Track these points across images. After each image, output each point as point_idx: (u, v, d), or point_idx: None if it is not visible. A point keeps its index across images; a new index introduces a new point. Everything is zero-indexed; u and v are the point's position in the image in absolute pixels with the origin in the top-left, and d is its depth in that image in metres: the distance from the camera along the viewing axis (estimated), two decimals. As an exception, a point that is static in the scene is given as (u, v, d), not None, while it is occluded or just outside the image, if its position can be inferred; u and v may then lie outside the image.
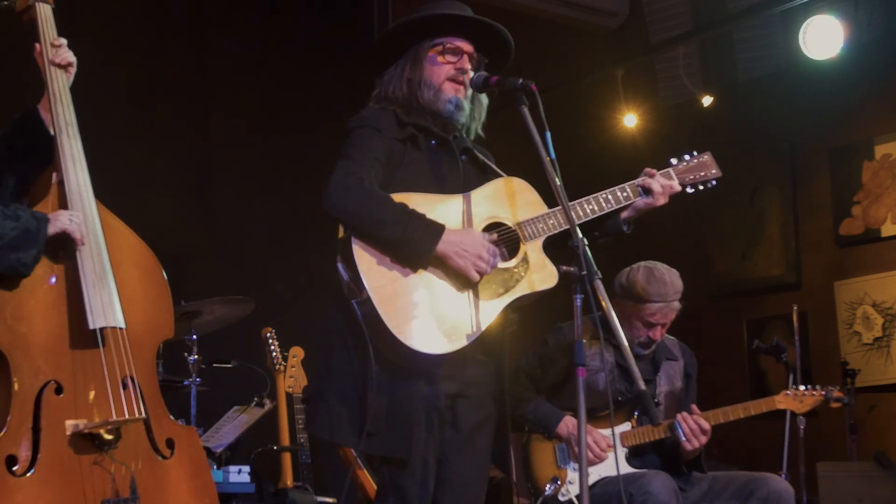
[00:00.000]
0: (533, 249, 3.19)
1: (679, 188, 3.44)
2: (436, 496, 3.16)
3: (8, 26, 3.38)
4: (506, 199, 3.24)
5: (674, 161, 3.51)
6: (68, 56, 3.17)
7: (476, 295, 3.09)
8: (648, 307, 4.19)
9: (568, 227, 3.05)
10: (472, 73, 3.28)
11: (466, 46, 3.28)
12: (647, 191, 3.37)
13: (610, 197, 3.33)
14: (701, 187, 3.52)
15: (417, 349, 3.00)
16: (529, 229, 3.20)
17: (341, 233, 3.12)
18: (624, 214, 3.39)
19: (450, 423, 3.18)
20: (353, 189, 3.04)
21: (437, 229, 3.04)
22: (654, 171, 3.42)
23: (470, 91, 3.28)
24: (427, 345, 3.01)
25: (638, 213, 3.40)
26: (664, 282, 4.20)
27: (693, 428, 4.07)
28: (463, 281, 3.09)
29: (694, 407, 4.15)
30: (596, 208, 3.30)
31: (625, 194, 3.35)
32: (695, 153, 3.54)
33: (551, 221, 3.21)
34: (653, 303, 4.18)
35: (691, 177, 3.49)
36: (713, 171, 3.53)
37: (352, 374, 3.09)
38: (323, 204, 3.04)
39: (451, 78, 3.25)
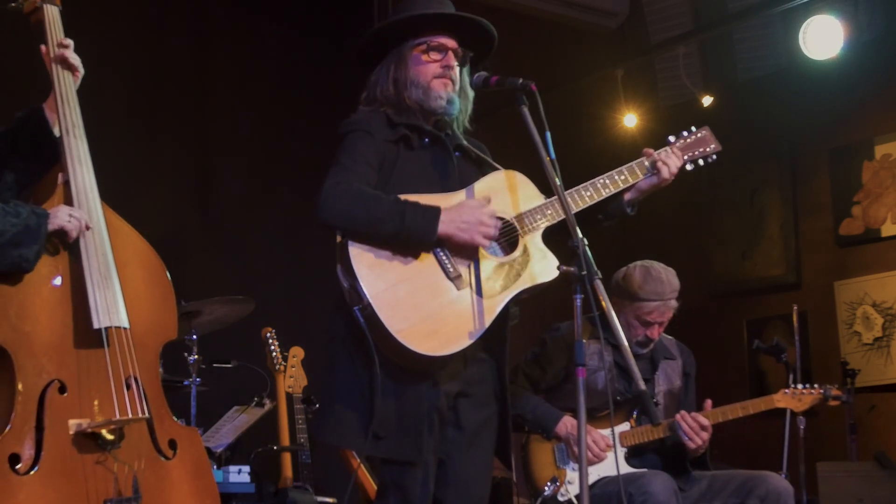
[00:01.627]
0: (532, 241, 3.19)
1: (680, 163, 3.42)
2: (441, 496, 3.17)
3: (16, 27, 3.39)
4: (503, 192, 3.24)
5: (671, 139, 3.49)
6: (74, 61, 3.18)
7: (478, 292, 3.09)
8: (645, 305, 4.20)
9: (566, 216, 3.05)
10: (458, 69, 3.28)
11: (450, 42, 3.28)
12: (652, 168, 3.36)
13: (608, 181, 3.32)
14: (701, 163, 3.50)
15: (422, 352, 2.99)
16: (528, 221, 3.19)
17: (340, 238, 3.12)
18: (627, 197, 3.38)
19: (452, 423, 3.18)
20: (342, 194, 3.03)
21: (433, 213, 3.04)
22: (652, 150, 3.41)
23: (457, 85, 3.28)
24: (431, 347, 3.00)
25: (642, 195, 3.39)
26: (661, 280, 4.21)
27: (692, 426, 4.08)
28: (463, 280, 3.08)
29: (708, 402, 4.15)
30: (594, 194, 3.29)
31: (622, 177, 3.34)
32: (693, 128, 3.52)
33: (549, 212, 3.20)
34: (650, 301, 4.19)
35: (690, 153, 3.47)
36: (712, 146, 3.51)
37: (356, 380, 3.09)
38: (316, 215, 3.04)
39: (438, 76, 3.25)
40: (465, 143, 3.35)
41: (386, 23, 3.33)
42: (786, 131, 7.30)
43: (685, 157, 3.46)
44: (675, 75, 7.72)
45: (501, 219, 3.19)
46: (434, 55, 3.26)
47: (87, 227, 3.01)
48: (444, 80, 3.25)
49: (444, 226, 3.03)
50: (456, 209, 3.08)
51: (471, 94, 3.34)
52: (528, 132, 3.03)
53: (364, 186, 3.08)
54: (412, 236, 3.02)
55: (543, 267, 3.17)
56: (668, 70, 7.85)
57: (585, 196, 3.28)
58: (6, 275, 2.90)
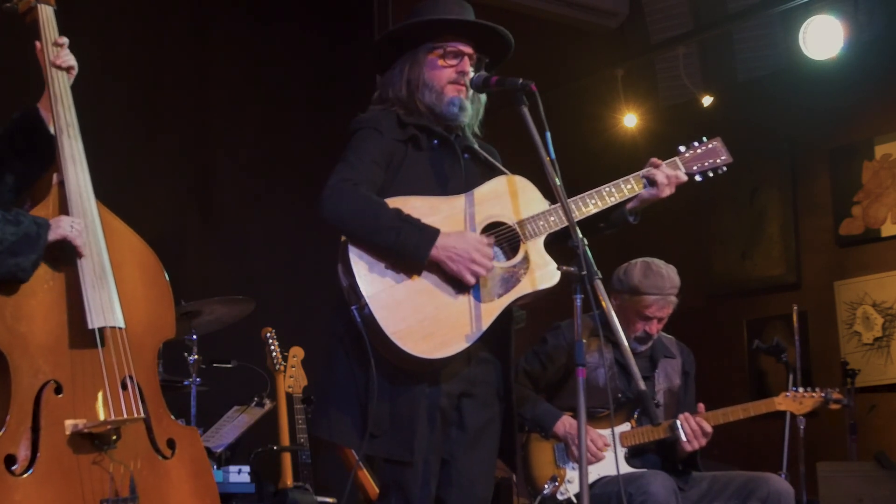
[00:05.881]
0: (534, 248, 3.17)
1: (685, 178, 3.37)
2: (444, 496, 3.16)
3: (10, 27, 3.39)
4: (506, 197, 3.22)
5: (682, 149, 3.44)
6: (70, 59, 3.18)
7: (476, 296, 3.08)
8: (645, 300, 4.20)
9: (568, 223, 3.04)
10: (472, 74, 3.26)
11: (466, 48, 3.27)
12: (651, 182, 3.33)
13: (613, 190, 3.29)
14: (710, 174, 3.46)
15: (416, 354, 2.99)
16: (530, 227, 3.18)
17: (343, 238, 3.12)
18: (629, 205, 3.34)
19: (456, 423, 3.18)
20: (346, 195, 3.03)
21: (430, 234, 3.03)
22: (660, 161, 3.37)
23: (471, 91, 3.27)
24: (426, 349, 3.00)
25: (644, 204, 3.35)
26: (661, 275, 4.21)
27: (694, 429, 4.07)
28: (462, 283, 3.08)
29: (701, 407, 4.15)
30: (598, 202, 3.26)
31: (628, 186, 3.31)
32: (704, 139, 3.46)
33: (552, 219, 3.19)
34: (649, 295, 4.19)
35: (699, 165, 3.42)
36: (723, 158, 3.46)
37: (353, 379, 3.09)
38: (317, 212, 3.04)
39: (453, 81, 3.24)
40: (474, 145, 3.34)
41: (404, 25, 3.31)
42: (786, 131, 7.30)
43: (694, 168, 3.42)
44: (675, 75, 7.72)
45: (503, 224, 3.18)
46: (450, 60, 3.25)
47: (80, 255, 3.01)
48: (457, 85, 3.24)
49: (437, 251, 3.02)
50: (454, 238, 3.06)
51: (483, 98, 3.33)
52: (528, 132, 3.02)
53: (369, 190, 3.07)
54: (404, 253, 3.02)
55: (544, 273, 3.15)
56: (668, 70, 7.85)
57: (590, 204, 3.25)
58: (1, 281, 2.90)
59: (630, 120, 7.70)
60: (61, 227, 2.96)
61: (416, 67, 3.26)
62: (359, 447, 3.08)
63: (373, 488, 4.81)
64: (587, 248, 2.90)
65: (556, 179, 2.99)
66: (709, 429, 4.09)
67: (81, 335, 2.96)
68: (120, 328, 3.01)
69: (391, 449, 3.07)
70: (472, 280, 3.05)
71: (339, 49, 6.68)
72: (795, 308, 5.99)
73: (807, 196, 7.24)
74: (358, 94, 3.42)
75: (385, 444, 3.07)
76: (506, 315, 3.14)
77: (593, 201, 3.26)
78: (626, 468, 4.13)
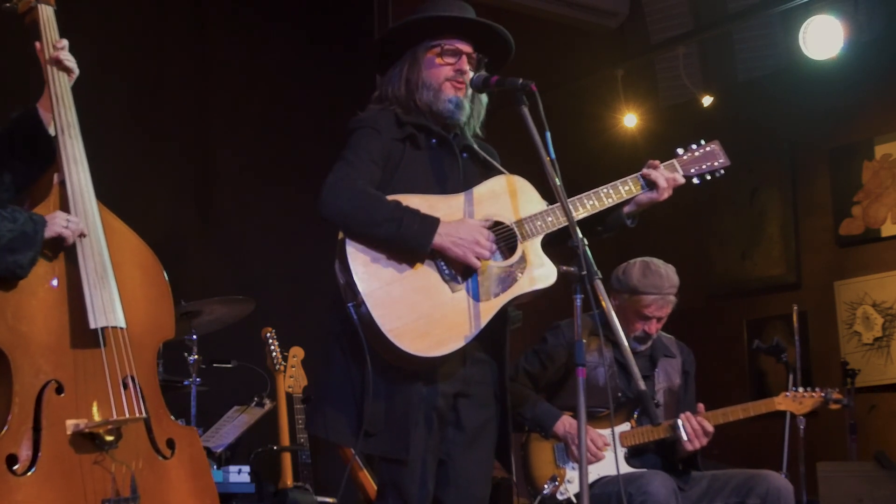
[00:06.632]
0: (531, 248, 3.18)
1: (682, 181, 3.37)
2: (441, 496, 3.17)
3: (10, 27, 3.39)
4: (504, 197, 3.22)
5: (680, 151, 3.43)
6: (70, 63, 3.18)
7: (473, 295, 3.09)
8: (643, 299, 4.20)
9: (566, 223, 3.04)
10: (471, 74, 3.26)
11: (465, 47, 3.27)
12: (650, 184, 3.32)
13: (611, 191, 3.29)
14: (708, 177, 3.45)
15: (413, 353, 3.00)
16: (528, 227, 3.18)
17: (342, 235, 3.12)
18: (626, 208, 3.33)
19: (453, 423, 3.19)
20: (345, 191, 3.04)
21: (432, 222, 3.04)
22: (658, 163, 3.36)
23: (470, 90, 3.27)
24: (422, 348, 3.01)
25: (641, 208, 3.35)
26: (660, 274, 4.22)
27: (696, 429, 4.08)
28: (459, 282, 3.08)
29: (701, 406, 4.15)
30: (596, 203, 3.26)
31: (626, 188, 3.30)
32: (702, 142, 3.46)
33: (549, 219, 3.19)
34: (648, 294, 4.20)
35: (697, 168, 3.42)
36: (721, 161, 3.45)
37: (350, 376, 3.10)
38: (317, 209, 3.05)
39: (450, 79, 3.24)
40: (473, 145, 3.35)
41: (402, 23, 3.31)
42: (786, 131, 7.30)
43: (692, 171, 3.41)
44: (675, 75, 7.72)
45: (501, 223, 3.19)
46: (448, 59, 3.25)
47: (83, 235, 3.01)
48: (455, 83, 3.24)
49: (440, 238, 3.04)
50: (455, 224, 3.08)
51: (484, 100, 3.33)
52: (528, 132, 3.02)
53: (367, 185, 3.07)
54: (407, 243, 3.03)
55: (541, 273, 3.15)
56: (668, 70, 7.85)
57: (587, 204, 3.25)
58: (3, 277, 2.90)
59: (630, 120, 7.70)
60: (55, 225, 2.97)
61: (414, 66, 3.26)
62: (354, 445, 3.09)
63: (372, 487, 4.82)
64: (587, 248, 2.90)
65: (556, 179, 3.00)
66: (710, 428, 4.10)
67: (83, 335, 2.97)
68: (121, 328, 3.02)
69: (386, 447, 3.08)
70: (476, 263, 3.06)
71: (340, 49, 6.68)
72: (795, 308, 5.99)
73: (807, 196, 7.24)
74: (358, 93, 3.41)
75: (380, 442, 3.07)
76: (501, 315, 3.14)
77: (591, 202, 3.26)
78: (625, 468, 4.14)
